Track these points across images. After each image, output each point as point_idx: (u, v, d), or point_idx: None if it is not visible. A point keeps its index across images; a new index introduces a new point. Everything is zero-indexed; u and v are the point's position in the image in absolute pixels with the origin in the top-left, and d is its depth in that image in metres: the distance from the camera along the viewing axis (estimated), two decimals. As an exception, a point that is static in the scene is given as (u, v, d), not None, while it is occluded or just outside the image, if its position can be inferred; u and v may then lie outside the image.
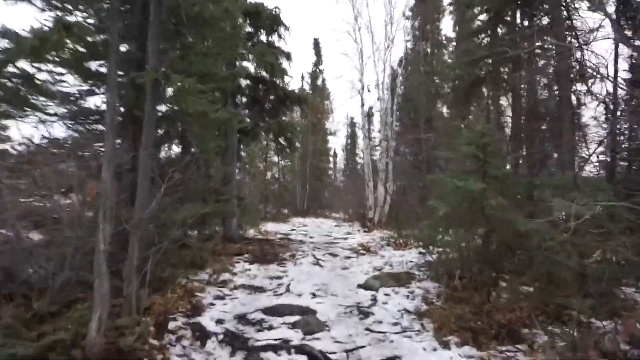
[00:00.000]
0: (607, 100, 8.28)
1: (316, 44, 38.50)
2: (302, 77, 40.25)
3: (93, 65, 8.82)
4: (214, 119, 7.80)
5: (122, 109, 9.00)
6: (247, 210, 18.34)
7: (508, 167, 8.79)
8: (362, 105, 21.40)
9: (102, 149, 10.08)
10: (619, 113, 9.36)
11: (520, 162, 9.91)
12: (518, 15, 12.14)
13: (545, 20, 9.77)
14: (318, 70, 39.34)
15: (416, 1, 24.78)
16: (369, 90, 20.91)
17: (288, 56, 15.15)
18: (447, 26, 28.25)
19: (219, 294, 7.98)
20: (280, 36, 15.04)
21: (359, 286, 8.26)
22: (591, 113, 11.92)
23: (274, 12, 14.30)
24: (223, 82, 9.29)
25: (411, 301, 7.16)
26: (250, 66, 15.44)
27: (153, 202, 6.21)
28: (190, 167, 10.51)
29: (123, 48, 8.31)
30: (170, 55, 8.09)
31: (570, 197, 5.38)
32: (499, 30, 9.40)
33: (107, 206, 5.04)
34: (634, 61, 11.56)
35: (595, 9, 8.46)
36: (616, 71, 10.01)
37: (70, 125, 8.48)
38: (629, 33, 10.95)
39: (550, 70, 10.09)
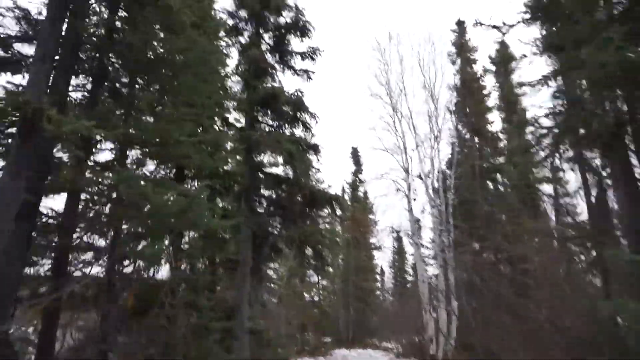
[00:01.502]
0: None
1: (354, 153, 36.72)
2: (343, 190, 37.88)
3: None
4: (161, 206, 4.61)
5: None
6: (270, 348, 14.25)
7: None
8: (410, 209, 17.95)
9: None
10: None
11: None
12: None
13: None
14: (358, 180, 36.96)
15: (460, 95, 22.53)
16: (422, 184, 17.48)
17: (315, 149, 12.39)
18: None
19: None
20: (305, 126, 12.48)
21: None
22: None
23: (294, 96, 11.92)
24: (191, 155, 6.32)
25: None
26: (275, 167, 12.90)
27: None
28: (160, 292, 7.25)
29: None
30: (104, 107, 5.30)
31: None
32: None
33: None
34: None
35: None
36: None
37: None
38: None
39: None
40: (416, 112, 19.56)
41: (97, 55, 6.10)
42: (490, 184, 23.60)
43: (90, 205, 6.23)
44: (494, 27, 8.77)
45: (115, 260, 8.30)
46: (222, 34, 14.00)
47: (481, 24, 8.83)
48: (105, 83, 6.53)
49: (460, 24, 22.61)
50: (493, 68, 26.33)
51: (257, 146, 11.17)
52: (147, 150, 6.56)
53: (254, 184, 12.15)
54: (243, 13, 13.95)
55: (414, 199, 17.78)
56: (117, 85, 6.55)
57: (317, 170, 12.18)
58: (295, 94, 12.05)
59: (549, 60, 11.39)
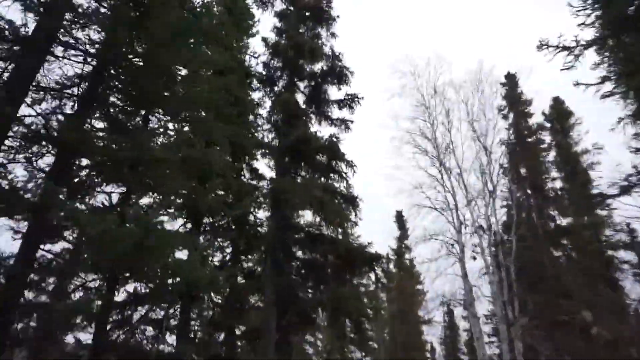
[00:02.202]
0: None
1: (399, 217, 34.55)
2: (388, 257, 35.24)
3: None
4: (102, 238, 3.21)
5: None
6: None
7: None
8: (464, 275, 15.64)
9: None
10: None
11: None
12: None
13: None
14: (403, 247, 34.44)
15: (514, 152, 20.56)
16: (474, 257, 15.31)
17: (352, 201, 10.89)
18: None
19: None
20: (341, 175, 11.11)
21: None
22: None
23: (328, 143, 10.67)
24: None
25: None
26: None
27: None
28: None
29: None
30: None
31: None
32: None
33: None
34: None
35: None
36: None
37: None
38: None
39: None
40: (467, 167, 17.71)
41: (90, 71, 5.18)
42: (554, 249, 20.83)
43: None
44: (564, 48, 7.29)
45: (107, 324, 6.93)
46: (255, 83, 13.45)
47: (548, 46, 7.39)
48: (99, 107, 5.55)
49: (509, 77, 21.26)
50: (548, 125, 24.46)
51: (284, 194, 9.79)
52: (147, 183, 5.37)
53: (281, 240, 10.67)
54: (277, 62, 13.34)
55: (473, 257, 15.51)
56: (112, 110, 5.56)
57: (354, 224, 10.53)
58: (330, 139, 10.84)
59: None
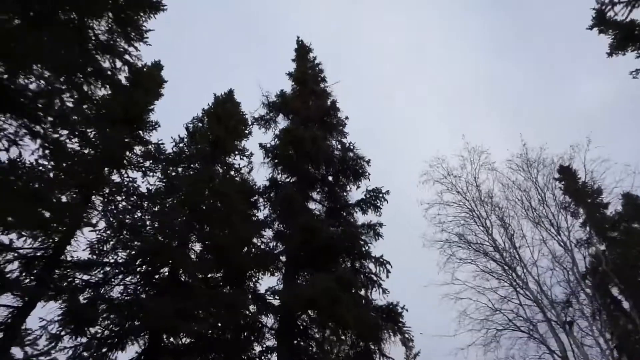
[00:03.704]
0: None
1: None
2: None
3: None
4: None
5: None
6: None
7: None
8: None
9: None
10: None
11: None
12: None
13: None
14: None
15: (599, 252, 16.26)
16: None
17: (391, 314, 7.50)
18: None
19: None
20: (370, 279, 7.94)
21: None
22: None
23: (344, 235, 7.85)
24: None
25: None
26: None
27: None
28: None
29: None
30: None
31: None
32: None
33: None
34: None
35: None
36: None
37: None
38: None
39: None
40: (544, 277, 13.80)
41: None
42: None
43: None
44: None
45: None
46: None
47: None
48: None
49: (563, 170, 18.14)
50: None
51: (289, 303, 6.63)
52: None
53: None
54: (282, 174, 11.29)
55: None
56: None
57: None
58: (345, 229, 8.02)
59: None
